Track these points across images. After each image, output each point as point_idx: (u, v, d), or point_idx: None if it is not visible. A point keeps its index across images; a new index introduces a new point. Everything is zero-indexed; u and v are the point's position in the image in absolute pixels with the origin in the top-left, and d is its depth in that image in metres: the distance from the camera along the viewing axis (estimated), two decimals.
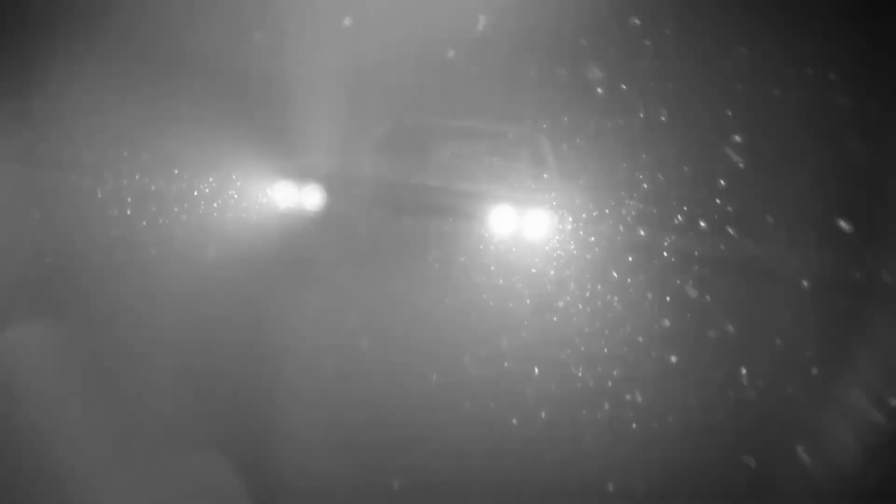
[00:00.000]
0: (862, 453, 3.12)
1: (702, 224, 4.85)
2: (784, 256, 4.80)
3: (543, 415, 3.33)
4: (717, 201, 4.90)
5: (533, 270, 4.14)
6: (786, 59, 5.15)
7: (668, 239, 4.66)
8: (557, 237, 4.24)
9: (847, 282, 4.67)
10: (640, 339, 3.84)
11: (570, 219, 4.25)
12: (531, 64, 5.82)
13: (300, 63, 5.73)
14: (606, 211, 4.70)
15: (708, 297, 4.26)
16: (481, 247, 4.15)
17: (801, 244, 4.86)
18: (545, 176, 4.78)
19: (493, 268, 4.11)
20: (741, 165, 4.99)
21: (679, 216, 4.85)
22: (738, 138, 4.99)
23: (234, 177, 4.70)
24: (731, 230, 4.88)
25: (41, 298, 3.66)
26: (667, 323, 3.99)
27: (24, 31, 4.85)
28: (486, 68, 5.84)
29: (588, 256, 4.33)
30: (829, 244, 4.71)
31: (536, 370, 3.60)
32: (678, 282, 4.36)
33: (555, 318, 3.97)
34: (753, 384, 3.65)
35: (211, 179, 4.84)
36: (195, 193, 4.80)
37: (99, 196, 4.69)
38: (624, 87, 5.26)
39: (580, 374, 3.59)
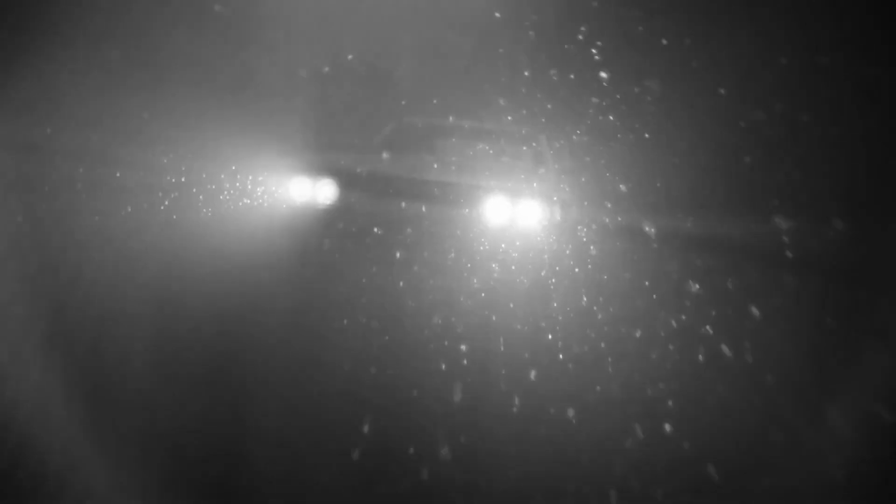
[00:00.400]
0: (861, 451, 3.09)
1: (695, 212, 4.93)
2: (773, 243, 4.75)
3: (538, 396, 3.33)
4: (711, 192, 4.99)
5: (530, 257, 4.23)
6: (778, 49, 5.06)
7: (659, 226, 4.65)
8: (554, 227, 4.31)
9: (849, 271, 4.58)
10: (632, 323, 3.88)
11: (561, 210, 4.32)
12: (531, 65, 5.79)
13: (313, 68, 5.73)
14: (599, 201, 4.76)
15: (699, 284, 4.26)
16: (484, 237, 4.22)
17: (797, 231, 4.76)
18: (543, 171, 4.86)
19: (493, 257, 4.18)
20: (732, 156, 5.05)
21: (673, 206, 4.92)
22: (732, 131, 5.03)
23: (250, 173, 4.75)
24: (719, 218, 4.94)
25: (54, 291, 3.64)
26: (656, 307, 4.03)
27: (34, 28, 4.74)
28: (487, 69, 5.85)
29: (581, 245, 4.43)
30: (826, 231, 4.63)
31: (530, 352, 3.66)
32: (674, 269, 4.41)
33: (551, 303, 4.04)
34: (748, 371, 3.60)
35: (223, 175, 4.91)
36: (213, 188, 4.86)
37: (118, 189, 4.70)
38: (620, 83, 5.24)
39: (569, 354, 3.64)
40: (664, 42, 5.28)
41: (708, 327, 3.89)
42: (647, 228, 4.58)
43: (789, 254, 4.58)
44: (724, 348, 3.71)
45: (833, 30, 4.84)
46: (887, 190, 4.67)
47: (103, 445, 2.89)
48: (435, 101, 5.73)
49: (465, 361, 3.52)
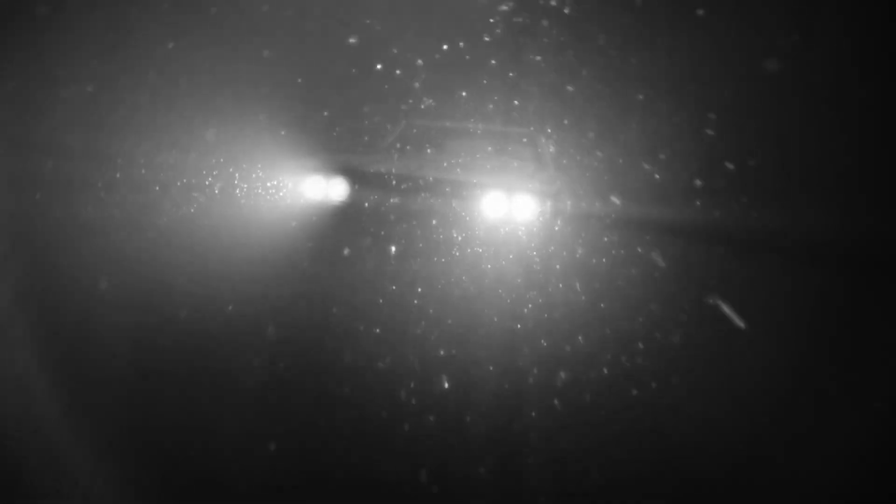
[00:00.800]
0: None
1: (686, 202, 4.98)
2: (772, 237, 4.72)
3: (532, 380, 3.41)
4: (709, 185, 5.00)
5: (528, 251, 4.32)
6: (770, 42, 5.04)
7: (656, 220, 4.76)
8: (552, 222, 4.40)
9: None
10: (628, 316, 3.94)
11: (558, 205, 4.43)
12: (532, 69, 5.91)
13: (325, 74, 5.88)
14: (597, 198, 4.88)
15: (697, 277, 4.37)
16: (488, 231, 4.32)
17: (801, 226, 4.74)
18: (541, 169, 4.99)
19: (495, 250, 4.28)
20: (721, 149, 5.05)
21: (671, 199, 4.98)
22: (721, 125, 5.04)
23: (268, 172, 4.86)
24: (717, 211, 4.96)
25: (70, 288, 3.68)
26: (652, 299, 4.08)
27: (50, 25, 4.70)
28: (490, 74, 5.93)
29: (580, 239, 4.51)
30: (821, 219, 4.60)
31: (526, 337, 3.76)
32: (670, 262, 4.43)
33: (553, 293, 4.11)
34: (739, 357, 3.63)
35: (248, 174, 5.00)
36: (231, 186, 4.97)
37: (134, 188, 4.75)
38: (619, 81, 5.43)
39: (563, 342, 3.70)
40: (657, 40, 5.40)
41: (704, 320, 3.90)
42: (643, 222, 4.68)
43: (794, 248, 4.59)
44: (722, 341, 3.73)
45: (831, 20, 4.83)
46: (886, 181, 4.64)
47: (105, 445, 2.91)
48: (441, 104, 5.79)
49: (472, 350, 3.60)
